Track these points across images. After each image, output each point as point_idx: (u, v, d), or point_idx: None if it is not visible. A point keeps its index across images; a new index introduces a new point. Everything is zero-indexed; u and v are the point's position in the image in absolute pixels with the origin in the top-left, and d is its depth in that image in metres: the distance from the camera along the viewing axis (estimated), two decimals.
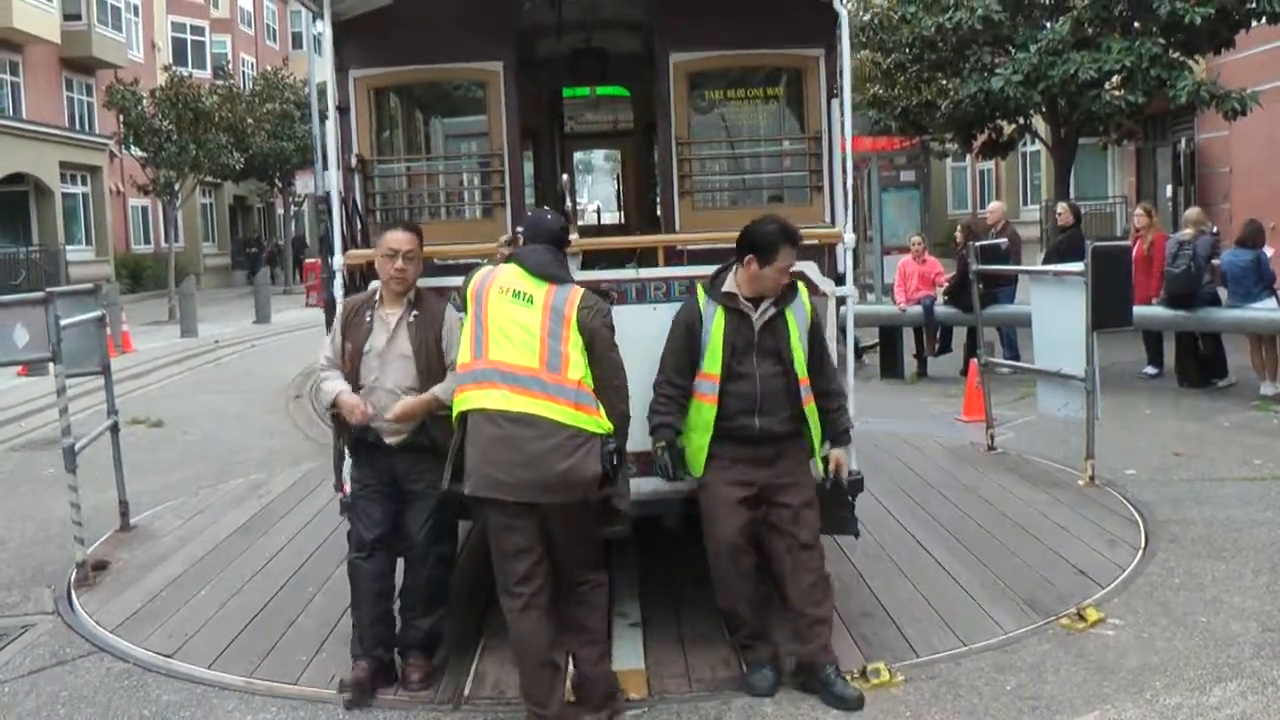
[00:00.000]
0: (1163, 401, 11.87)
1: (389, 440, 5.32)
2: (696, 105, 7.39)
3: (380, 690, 5.31)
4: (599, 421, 4.73)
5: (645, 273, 5.96)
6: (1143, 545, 7.04)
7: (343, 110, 6.71)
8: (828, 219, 6.69)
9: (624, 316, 5.22)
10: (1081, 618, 5.82)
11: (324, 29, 6.34)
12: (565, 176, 7.50)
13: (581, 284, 4.99)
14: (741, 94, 7.77)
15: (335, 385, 5.36)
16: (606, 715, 4.99)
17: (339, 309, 5.61)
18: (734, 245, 5.35)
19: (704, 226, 6.77)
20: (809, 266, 5.76)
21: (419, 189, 7.75)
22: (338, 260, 5.96)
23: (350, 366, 5.36)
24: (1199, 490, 8.29)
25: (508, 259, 5.09)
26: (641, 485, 5.44)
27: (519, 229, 5.55)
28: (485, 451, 4.70)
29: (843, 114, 6.52)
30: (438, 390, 5.21)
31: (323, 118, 6.57)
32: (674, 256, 6.47)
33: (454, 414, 4.90)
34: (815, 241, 6.11)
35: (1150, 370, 13.34)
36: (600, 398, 4.77)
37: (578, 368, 4.73)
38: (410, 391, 5.26)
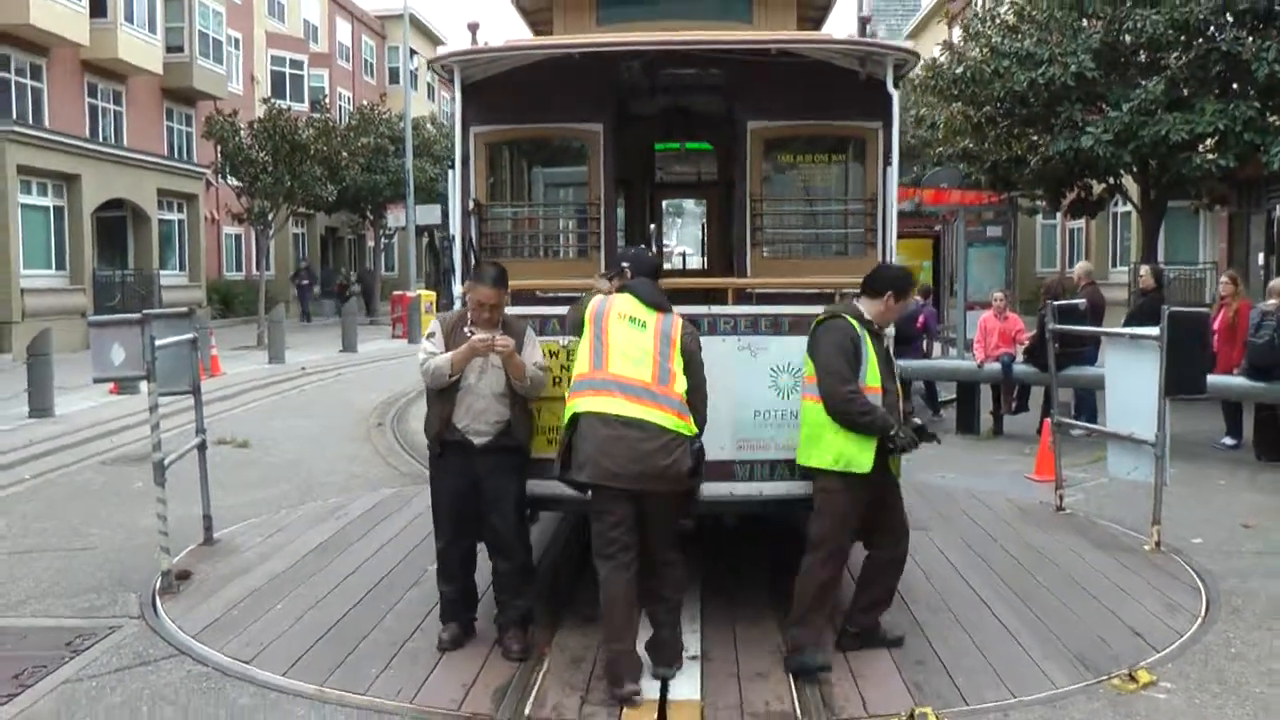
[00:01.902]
0: (1238, 473, 11.73)
1: (476, 441, 6.20)
2: (769, 166, 8.28)
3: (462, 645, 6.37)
4: (690, 426, 5.81)
5: (716, 309, 6.93)
6: (1203, 613, 7.01)
7: (464, 161, 7.66)
8: None
9: (706, 348, 6.16)
10: (1133, 679, 5.84)
11: (455, 94, 7.36)
12: (653, 226, 8.25)
13: (680, 314, 6.12)
14: (809, 158, 8.74)
15: (443, 358, 6.17)
16: (672, 671, 5.90)
17: (436, 323, 6.53)
18: (796, 289, 6.92)
19: (772, 273, 7.79)
20: None
21: (525, 231, 8.86)
22: (457, 289, 7.11)
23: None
24: (1266, 564, 8.20)
25: (621, 289, 6.12)
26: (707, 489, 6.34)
27: (625, 263, 6.44)
28: (600, 446, 5.68)
29: (888, 180, 7.44)
30: (531, 366, 6.24)
31: (450, 166, 7.66)
32: (743, 298, 7.46)
33: (568, 414, 5.87)
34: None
35: (1228, 441, 13.18)
36: (690, 407, 5.84)
37: (680, 382, 5.83)
38: (501, 396, 6.23)
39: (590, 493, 5.84)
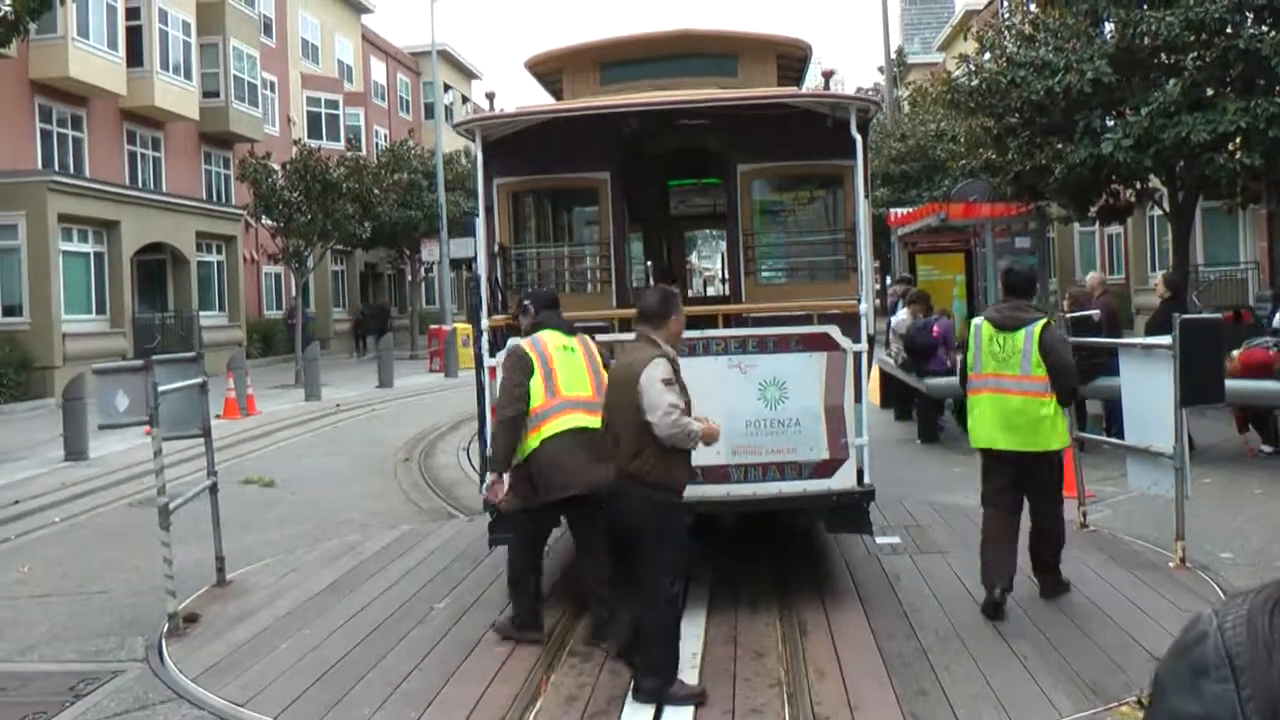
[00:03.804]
0: (1276, 481, 11.39)
1: None
2: (757, 203, 9.34)
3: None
4: None
5: (710, 332, 7.79)
6: None
7: (488, 209, 8.62)
8: (861, 293, 8.05)
9: (696, 366, 6.93)
10: (1142, 705, 5.60)
11: (476, 150, 8.20)
12: (649, 262, 10.12)
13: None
14: (792, 195, 9.91)
15: (696, 427, 5.94)
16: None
17: (667, 365, 6.48)
18: (784, 312, 8.11)
19: (763, 298, 8.75)
20: (833, 329, 7.57)
21: (545, 269, 9.98)
22: (484, 322, 7.93)
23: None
24: None
25: (539, 325, 7.06)
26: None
27: (526, 302, 7.38)
28: (576, 462, 6.62)
29: (865, 211, 8.33)
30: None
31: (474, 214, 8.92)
32: (738, 321, 8.33)
33: (536, 442, 6.71)
34: (839, 311, 7.91)
35: (1266, 449, 12.89)
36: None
37: None
38: None
39: (541, 512, 6.92)
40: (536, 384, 6.73)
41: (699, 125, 9.02)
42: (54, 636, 7.68)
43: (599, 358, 7.02)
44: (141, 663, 7.00)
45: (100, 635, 7.63)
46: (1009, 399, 7.31)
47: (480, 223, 8.64)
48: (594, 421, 6.50)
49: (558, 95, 10.01)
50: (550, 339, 6.94)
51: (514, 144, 8.54)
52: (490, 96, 8.74)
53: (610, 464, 6.04)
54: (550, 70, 9.95)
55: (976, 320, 7.73)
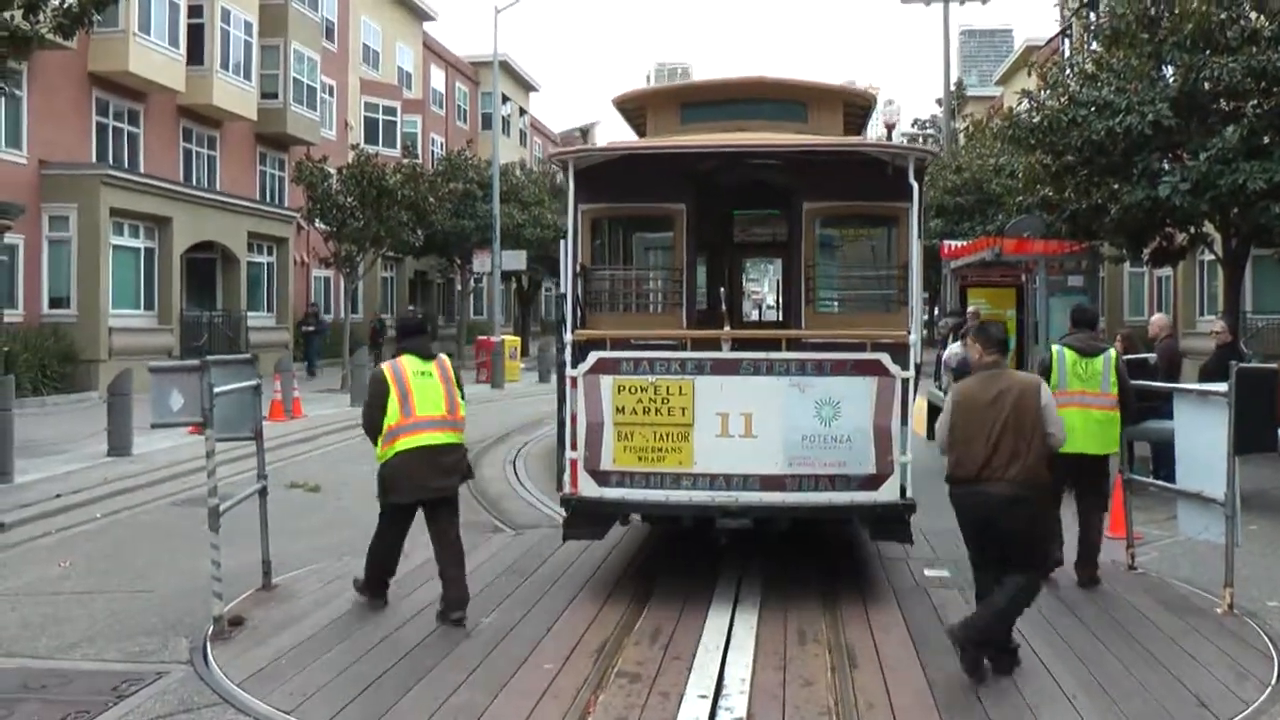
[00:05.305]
0: None
1: None
2: (819, 238, 9.99)
3: None
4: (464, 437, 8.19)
5: (774, 355, 8.50)
6: (1273, 682, 6.74)
7: (574, 233, 9.21)
8: (910, 325, 8.85)
9: (759, 384, 8.27)
10: None
11: (569, 180, 9.13)
12: (721, 289, 11.07)
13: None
14: (852, 232, 10.54)
15: None
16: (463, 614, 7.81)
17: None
18: (840, 340, 8.87)
19: (822, 325, 9.51)
20: (884, 356, 8.30)
21: (621, 289, 10.66)
22: (569, 336, 8.76)
23: None
24: None
25: (401, 352, 8.12)
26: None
27: (392, 328, 7.98)
28: (420, 472, 7.81)
29: (918, 248, 8.90)
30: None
31: (560, 236, 9.78)
32: (798, 345, 8.93)
33: (389, 454, 7.85)
34: (890, 340, 8.64)
35: None
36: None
37: (464, 408, 8.22)
38: None
39: (396, 508, 8.05)
40: (393, 404, 7.85)
41: (770, 165, 9.78)
42: (96, 634, 7.76)
43: (454, 378, 8.15)
44: (186, 665, 7.04)
45: (144, 635, 7.70)
46: (1093, 412, 8.97)
47: (566, 244, 9.33)
48: (444, 438, 7.91)
49: (640, 130, 11.00)
50: (409, 364, 8.04)
51: (599, 174, 9.19)
52: (585, 132, 10.15)
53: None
54: (635, 108, 10.93)
55: (1057, 348, 9.27)
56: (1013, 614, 6.84)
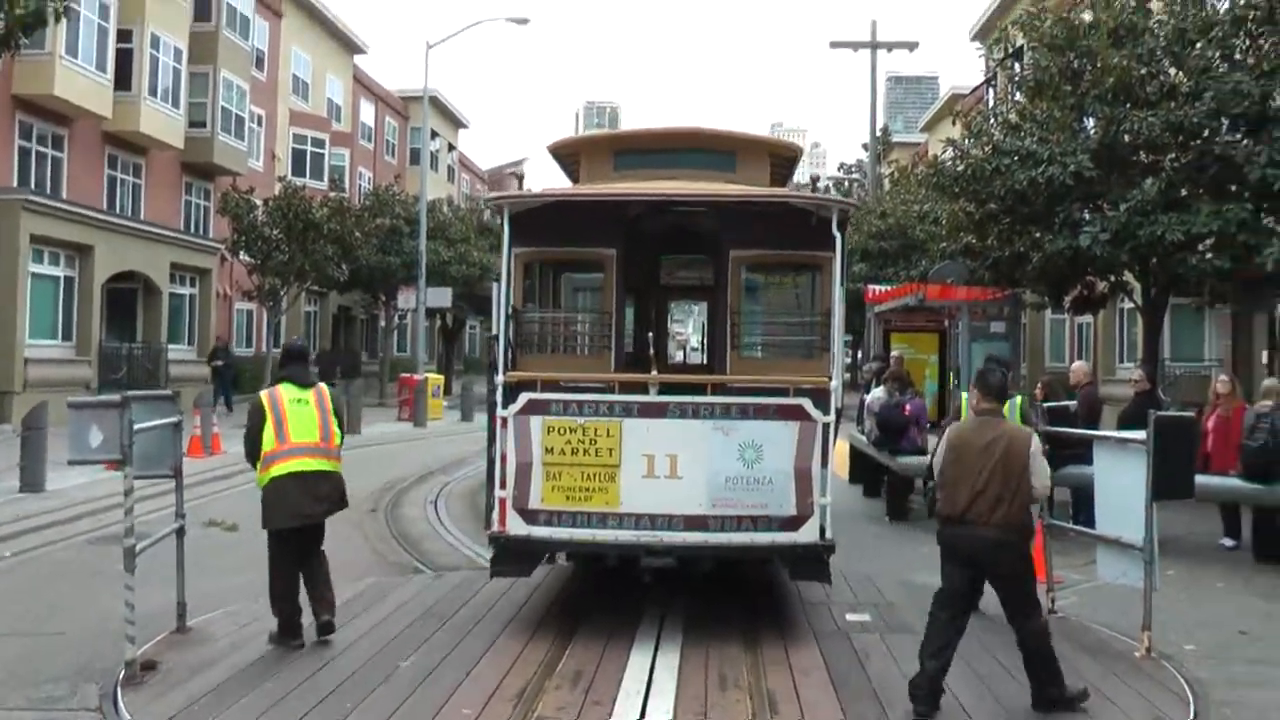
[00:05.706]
0: (1237, 575, 11.60)
1: None
2: (745, 284, 10.24)
3: None
4: (340, 465, 8.44)
5: (699, 399, 8.73)
6: None
7: (507, 276, 9.28)
8: (831, 371, 9.01)
9: (685, 427, 8.50)
10: None
11: (504, 224, 9.18)
12: (650, 334, 10.74)
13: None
14: (777, 279, 11.00)
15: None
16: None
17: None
18: (764, 384, 9.07)
19: (745, 370, 9.71)
20: (806, 401, 8.55)
21: (552, 331, 10.82)
22: (500, 378, 8.83)
23: None
24: (1260, 673, 8.07)
25: (280, 379, 8.39)
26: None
27: (277, 352, 8.02)
28: (297, 499, 8.08)
29: (840, 296, 9.32)
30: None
31: (496, 278, 9.86)
32: (722, 389, 9.05)
33: (265, 480, 8.16)
34: (812, 386, 8.80)
35: (1228, 542, 13.02)
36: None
37: (339, 436, 8.46)
38: None
39: (278, 535, 8.20)
40: (269, 431, 8.12)
41: (698, 211, 10.08)
42: (2, 681, 7.51)
43: (330, 406, 8.40)
44: (95, 712, 6.86)
45: (52, 681, 7.48)
46: None
47: (499, 286, 9.57)
48: (317, 465, 8.19)
49: (574, 176, 11.19)
50: (286, 391, 8.29)
51: (533, 218, 9.33)
52: (519, 178, 10.41)
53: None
54: (569, 154, 11.22)
55: (965, 394, 9.33)
56: (1050, 657, 7.02)
